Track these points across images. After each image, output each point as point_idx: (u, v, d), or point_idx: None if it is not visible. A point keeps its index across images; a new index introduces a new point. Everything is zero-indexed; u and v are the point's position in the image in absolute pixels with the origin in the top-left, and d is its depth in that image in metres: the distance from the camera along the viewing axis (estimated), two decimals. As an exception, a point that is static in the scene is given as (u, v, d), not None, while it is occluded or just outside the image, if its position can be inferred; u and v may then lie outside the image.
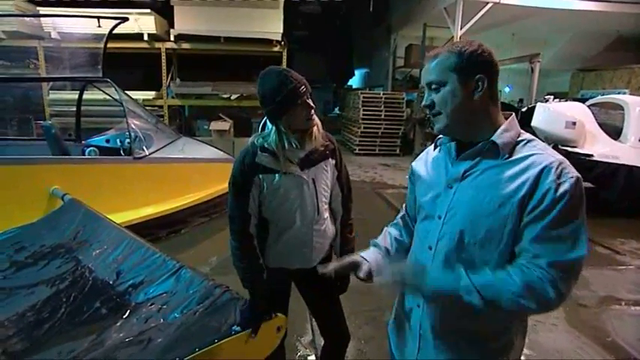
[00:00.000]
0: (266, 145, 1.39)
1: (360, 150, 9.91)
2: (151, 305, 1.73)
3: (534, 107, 5.34)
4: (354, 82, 17.90)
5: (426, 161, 1.08)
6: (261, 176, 1.40)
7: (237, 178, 1.42)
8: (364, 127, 9.88)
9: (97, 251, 2.29)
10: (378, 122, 9.90)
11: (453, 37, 8.46)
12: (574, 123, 4.94)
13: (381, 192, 6.23)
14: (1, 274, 2.16)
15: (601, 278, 3.34)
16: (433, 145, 1.06)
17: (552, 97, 6.02)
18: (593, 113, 5.34)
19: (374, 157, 9.56)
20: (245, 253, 1.45)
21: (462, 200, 0.92)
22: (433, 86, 0.93)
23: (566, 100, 6.11)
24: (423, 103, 0.95)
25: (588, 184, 5.50)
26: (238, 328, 1.35)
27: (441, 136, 1.00)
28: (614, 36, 10.61)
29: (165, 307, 1.68)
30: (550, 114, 5.08)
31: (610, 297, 3.04)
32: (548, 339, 2.45)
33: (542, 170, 0.84)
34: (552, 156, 0.86)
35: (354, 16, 12.89)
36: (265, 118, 1.44)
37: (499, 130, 0.90)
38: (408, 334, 1.06)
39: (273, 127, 1.39)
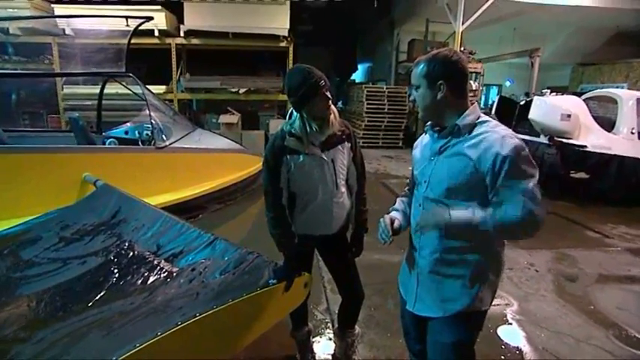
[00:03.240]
0: (292, 131, 1.69)
1: (363, 143, 10.11)
2: (192, 270, 2.00)
3: (532, 100, 5.57)
4: (357, 76, 17.99)
5: (419, 145, 1.44)
6: (288, 157, 1.69)
7: (269, 158, 1.71)
8: (368, 121, 10.11)
9: (136, 228, 2.56)
10: (382, 116, 10.12)
11: (454, 32, 8.66)
12: (569, 115, 5.17)
13: (385, 182, 6.51)
14: (53, 247, 2.44)
15: (589, 258, 3.62)
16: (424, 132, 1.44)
17: (549, 90, 6.24)
18: (588, 106, 5.57)
19: (377, 150, 9.81)
20: (279, 221, 1.74)
21: (438, 168, 1.26)
22: (414, 87, 1.29)
23: (563, 94, 6.33)
24: (410, 98, 1.37)
25: (582, 174, 5.76)
26: (274, 281, 1.63)
27: (428, 124, 1.36)
28: (614, 31, 10.78)
29: (206, 269, 1.96)
30: (546, 107, 5.30)
31: (596, 274, 3.32)
32: (537, 307, 2.74)
33: (491, 144, 1.15)
34: (498, 132, 1.17)
35: (358, 10, 13.01)
36: (291, 108, 1.72)
37: (462, 116, 1.24)
38: (410, 273, 1.41)
39: (298, 115, 1.68)
